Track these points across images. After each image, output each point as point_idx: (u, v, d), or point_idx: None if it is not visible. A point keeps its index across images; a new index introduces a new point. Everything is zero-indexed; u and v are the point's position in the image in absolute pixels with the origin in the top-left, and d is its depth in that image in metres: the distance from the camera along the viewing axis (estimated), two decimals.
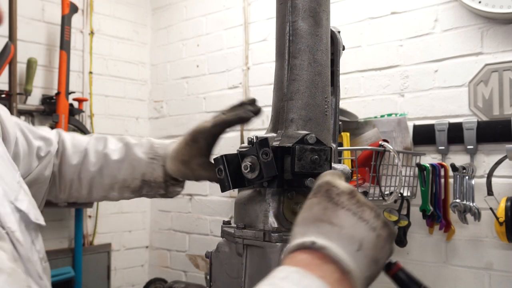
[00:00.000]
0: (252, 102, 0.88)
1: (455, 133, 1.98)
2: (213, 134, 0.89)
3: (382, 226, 0.54)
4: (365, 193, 1.82)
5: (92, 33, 2.96)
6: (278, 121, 0.81)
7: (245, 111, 0.87)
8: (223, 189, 0.79)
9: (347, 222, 0.53)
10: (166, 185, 0.99)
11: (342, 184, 0.57)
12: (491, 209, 1.83)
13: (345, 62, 2.26)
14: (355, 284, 0.50)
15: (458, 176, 1.92)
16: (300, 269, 0.50)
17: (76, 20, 2.83)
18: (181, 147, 0.92)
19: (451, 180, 1.96)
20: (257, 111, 0.88)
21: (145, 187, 0.99)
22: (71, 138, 1.02)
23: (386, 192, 1.88)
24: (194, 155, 0.90)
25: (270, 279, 0.50)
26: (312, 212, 0.55)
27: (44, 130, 0.99)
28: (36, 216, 0.78)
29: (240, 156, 0.77)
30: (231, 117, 0.87)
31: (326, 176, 0.60)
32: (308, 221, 0.55)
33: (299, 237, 0.54)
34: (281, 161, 0.76)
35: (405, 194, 1.98)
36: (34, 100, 2.64)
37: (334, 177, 0.60)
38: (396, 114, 2.14)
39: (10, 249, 0.60)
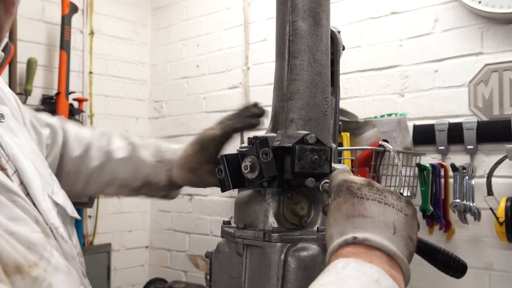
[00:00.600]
0: (256, 105, 0.87)
1: (455, 133, 1.98)
2: (222, 142, 0.90)
3: (406, 206, 0.58)
4: None
5: (92, 33, 2.96)
6: (278, 121, 0.81)
7: (252, 116, 0.86)
8: (223, 189, 0.79)
9: (376, 211, 0.56)
10: (169, 188, 0.98)
11: (357, 179, 0.61)
12: (491, 209, 1.83)
13: (345, 62, 2.26)
14: (402, 264, 0.54)
15: (458, 176, 1.92)
16: (354, 259, 0.53)
17: (76, 20, 2.83)
18: (189, 156, 0.91)
19: (451, 180, 1.96)
20: (262, 114, 0.87)
21: (145, 188, 0.99)
22: (75, 130, 1.00)
23: None
24: (202, 163, 0.90)
25: (330, 270, 0.52)
26: (342, 210, 0.58)
27: (47, 117, 0.97)
28: (72, 210, 0.77)
29: (240, 156, 0.77)
30: (240, 124, 0.87)
31: (339, 175, 0.63)
32: (341, 220, 0.58)
33: (338, 237, 0.57)
34: (281, 161, 0.76)
35: (405, 194, 1.98)
36: (34, 100, 2.64)
37: (346, 174, 0.63)
38: (396, 114, 2.14)
39: (56, 246, 0.60)
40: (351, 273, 0.50)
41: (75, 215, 0.77)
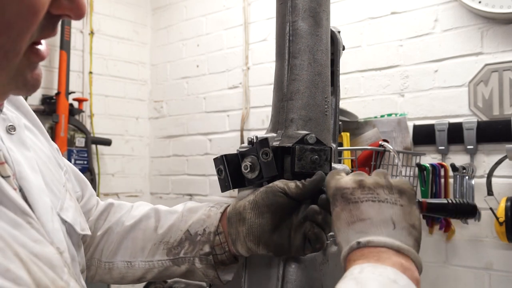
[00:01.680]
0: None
1: (455, 133, 1.98)
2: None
3: (399, 196, 0.60)
4: None
5: (92, 33, 2.96)
6: (278, 121, 0.81)
7: None
8: (223, 189, 0.79)
9: (372, 211, 0.59)
10: (215, 240, 0.77)
11: (348, 182, 0.62)
12: (491, 209, 1.83)
13: (345, 62, 2.26)
14: (409, 254, 0.58)
15: (458, 176, 1.92)
16: (368, 263, 0.55)
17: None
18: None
19: (451, 180, 1.96)
20: None
21: (185, 243, 0.79)
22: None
23: None
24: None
25: (348, 276, 0.54)
26: (342, 219, 0.60)
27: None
28: (82, 226, 0.72)
29: (240, 156, 0.77)
30: None
31: (331, 182, 0.65)
32: (343, 228, 0.60)
33: (345, 244, 0.59)
34: (281, 161, 0.76)
35: None
36: (34, 100, 2.64)
37: (337, 178, 0.64)
38: (396, 114, 2.14)
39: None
40: (368, 275, 0.53)
41: (85, 232, 0.72)
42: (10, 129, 0.64)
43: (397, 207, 0.59)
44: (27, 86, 0.50)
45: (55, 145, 0.79)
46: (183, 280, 0.84)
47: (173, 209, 0.85)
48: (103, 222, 0.88)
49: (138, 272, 0.81)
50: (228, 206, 0.79)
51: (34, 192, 0.60)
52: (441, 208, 0.66)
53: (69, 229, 0.68)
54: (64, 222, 0.67)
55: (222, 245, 0.76)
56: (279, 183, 0.73)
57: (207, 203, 0.82)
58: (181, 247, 0.79)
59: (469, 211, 0.64)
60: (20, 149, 0.64)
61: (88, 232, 0.74)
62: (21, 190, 0.59)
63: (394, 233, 0.57)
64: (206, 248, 0.77)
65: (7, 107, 0.67)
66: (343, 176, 0.65)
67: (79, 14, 0.50)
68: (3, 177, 0.57)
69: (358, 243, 0.57)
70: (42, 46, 0.50)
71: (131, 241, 0.83)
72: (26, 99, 2.60)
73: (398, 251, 0.57)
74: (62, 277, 0.53)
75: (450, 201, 0.67)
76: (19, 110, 0.72)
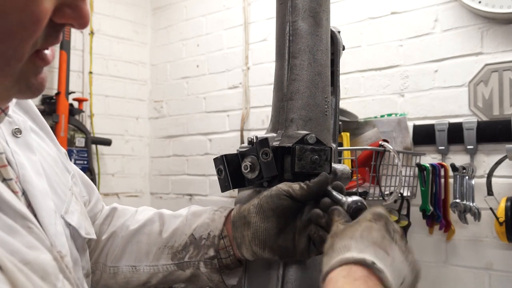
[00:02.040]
0: None
1: (455, 133, 1.98)
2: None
3: (417, 272, 0.62)
4: (365, 193, 1.83)
5: (92, 33, 2.96)
6: (278, 121, 0.81)
7: None
8: (223, 189, 0.79)
9: (398, 257, 0.58)
10: (220, 243, 0.76)
11: (395, 224, 0.63)
12: (491, 209, 1.83)
13: (345, 62, 2.26)
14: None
15: (458, 176, 1.92)
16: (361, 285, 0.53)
17: None
18: None
19: (451, 180, 1.96)
20: None
21: (190, 247, 0.79)
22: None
23: (386, 192, 1.87)
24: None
25: None
26: (372, 235, 0.59)
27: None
28: (87, 230, 0.71)
29: (240, 156, 0.77)
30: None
31: (381, 208, 0.64)
32: (367, 241, 0.58)
33: (356, 252, 0.57)
34: (281, 161, 0.76)
35: (405, 194, 1.98)
36: (34, 100, 2.62)
37: (387, 213, 0.64)
38: (396, 114, 2.14)
39: (63, 275, 0.56)
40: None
41: (90, 236, 0.71)
42: (16, 132, 0.64)
43: (412, 276, 0.62)
44: (31, 90, 0.50)
45: (63, 150, 0.79)
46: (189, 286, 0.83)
47: (177, 213, 0.85)
48: (107, 226, 0.87)
49: (143, 276, 0.81)
50: (232, 209, 0.78)
51: (37, 195, 0.60)
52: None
53: (74, 232, 0.68)
54: (68, 225, 0.66)
55: (227, 249, 0.76)
56: (283, 186, 0.72)
57: (211, 207, 0.82)
58: (186, 252, 0.78)
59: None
60: (25, 152, 0.64)
61: (93, 236, 0.74)
62: (24, 193, 0.60)
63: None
64: (211, 252, 0.76)
65: (15, 110, 0.68)
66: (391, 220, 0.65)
67: (82, 23, 0.51)
68: (5, 179, 0.57)
69: (374, 263, 0.55)
70: (48, 51, 0.50)
71: (136, 245, 0.82)
72: None
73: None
74: (56, 285, 0.52)
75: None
76: (27, 114, 0.73)
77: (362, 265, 0.55)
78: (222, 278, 0.77)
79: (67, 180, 0.72)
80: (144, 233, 0.83)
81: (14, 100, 0.68)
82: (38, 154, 0.67)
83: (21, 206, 0.54)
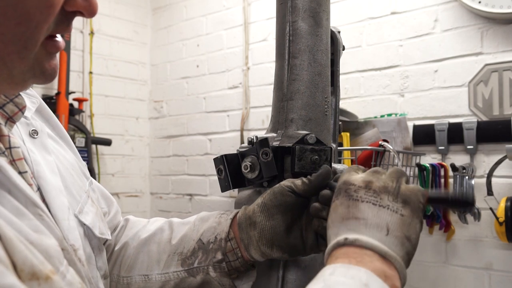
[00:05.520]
0: None
1: (455, 133, 1.98)
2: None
3: (403, 206, 0.59)
4: None
5: (92, 33, 2.96)
6: (278, 121, 0.81)
7: None
8: (223, 189, 0.79)
9: (370, 213, 0.58)
10: (227, 246, 0.75)
11: (358, 180, 0.61)
12: (491, 209, 1.83)
13: (345, 62, 2.26)
14: (395, 263, 0.55)
15: (458, 176, 1.92)
16: (343, 264, 0.54)
17: (76, 20, 2.80)
18: None
19: (451, 180, 1.96)
20: None
21: (199, 252, 0.78)
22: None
23: None
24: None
25: (319, 278, 0.53)
26: (338, 213, 0.60)
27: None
28: (101, 230, 0.72)
29: (240, 156, 0.77)
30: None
31: (343, 176, 0.64)
32: (336, 221, 0.59)
33: (333, 238, 0.58)
34: (281, 161, 0.76)
35: None
36: None
37: (351, 174, 0.63)
38: (396, 114, 2.14)
39: (73, 265, 0.57)
40: (338, 279, 0.51)
41: (104, 236, 0.72)
42: (33, 133, 0.67)
43: (396, 215, 0.58)
44: (45, 75, 0.55)
45: (84, 162, 0.80)
46: None
47: (186, 220, 0.84)
48: (120, 237, 0.88)
49: (155, 285, 0.80)
50: (238, 211, 0.78)
51: (51, 190, 0.62)
52: (442, 200, 0.65)
53: (88, 231, 0.69)
54: (82, 224, 0.67)
55: (234, 251, 0.75)
56: (286, 182, 0.72)
57: (219, 211, 0.81)
58: (195, 257, 0.77)
59: (469, 201, 0.64)
60: (41, 152, 0.66)
61: (108, 237, 0.74)
62: (39, 189, 0.62)
63: (386, 239, 0.56)
64: (219, 256, 0.75)
65: (34, 117, 0.71)
66: (358, 173, 0.64)
67: (91, 12, 0.56)
68: (20, 172, 0.59)
69: (345, 239, 0.56)
70: (59, 38, 0.56)
71: (147, 254, 0.82)
72: None
73: (384, 257, 0.54)
74: (59, 268, 0.51)
75: (450, 193, 0.67)
76: (48, 123, 0.75)
77: (341, 246, 0.56)
78: (232, 282, 0.76)
79: (83, 184, 0.73)
80: (154, 242, 0.82)
81: (33, 108, 0.71)
82: (54, 156, 0.69)
83: (32, 193, 0.55)
